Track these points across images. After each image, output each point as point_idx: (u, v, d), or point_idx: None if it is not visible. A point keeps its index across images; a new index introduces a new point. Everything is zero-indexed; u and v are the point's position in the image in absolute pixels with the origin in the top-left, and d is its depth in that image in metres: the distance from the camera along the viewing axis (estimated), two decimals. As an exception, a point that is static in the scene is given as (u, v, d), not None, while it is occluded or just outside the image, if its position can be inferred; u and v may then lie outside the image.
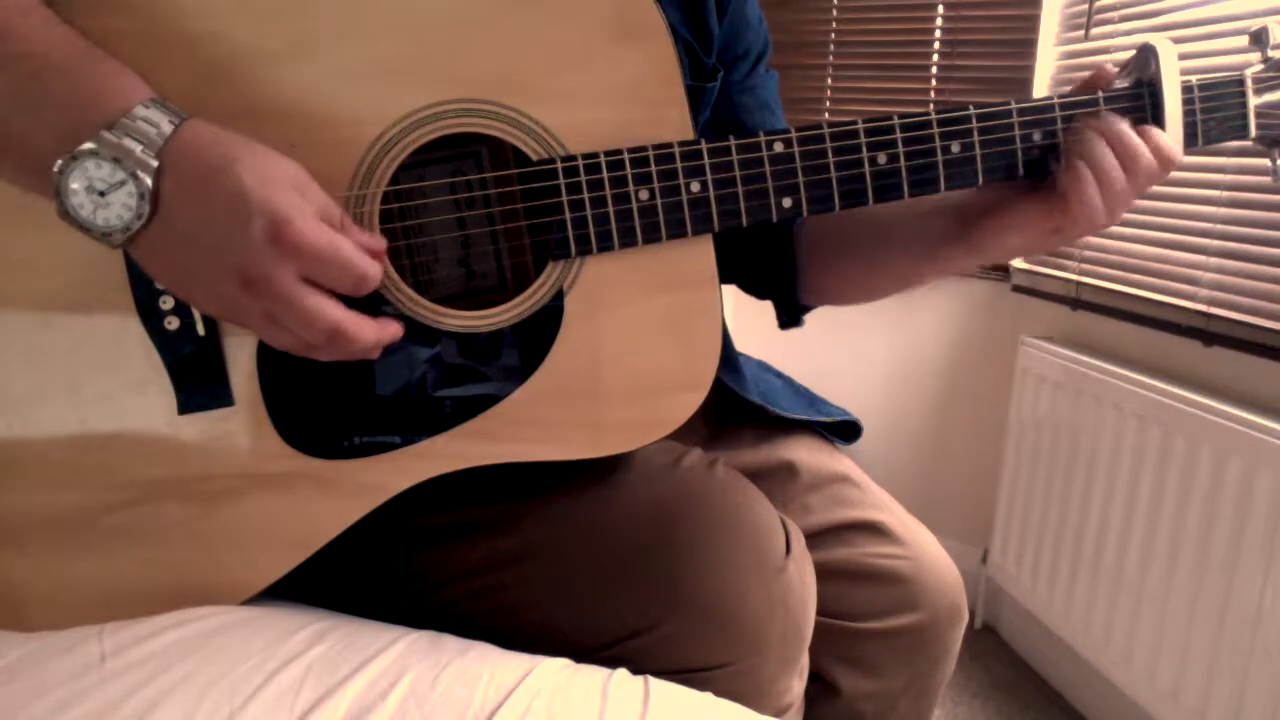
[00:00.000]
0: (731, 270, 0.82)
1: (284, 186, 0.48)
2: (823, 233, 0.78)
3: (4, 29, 0.47)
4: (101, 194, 0.46)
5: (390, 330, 0.54)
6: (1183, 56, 0.62)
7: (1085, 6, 1.61)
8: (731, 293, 0.83)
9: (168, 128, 0.47)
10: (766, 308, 0.84)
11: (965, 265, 0.68)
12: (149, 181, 0.46)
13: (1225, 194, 1.35)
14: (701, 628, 0.59)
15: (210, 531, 0.59)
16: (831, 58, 2.03)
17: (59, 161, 0.46)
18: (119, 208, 0.46)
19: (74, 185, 0.46)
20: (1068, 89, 0.64)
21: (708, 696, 0.57)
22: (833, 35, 2.01)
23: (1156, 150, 0.60)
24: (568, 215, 0.58)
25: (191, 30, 0.53)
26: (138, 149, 0.46)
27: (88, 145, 0.46)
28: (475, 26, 0.56)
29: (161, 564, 0.59)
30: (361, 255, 0.50)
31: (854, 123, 0.60)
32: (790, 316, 0.82)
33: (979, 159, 0.62)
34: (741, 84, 0.80)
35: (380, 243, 0.53)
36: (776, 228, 0.78)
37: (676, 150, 0.58)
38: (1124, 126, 0.60)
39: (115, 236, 0.47)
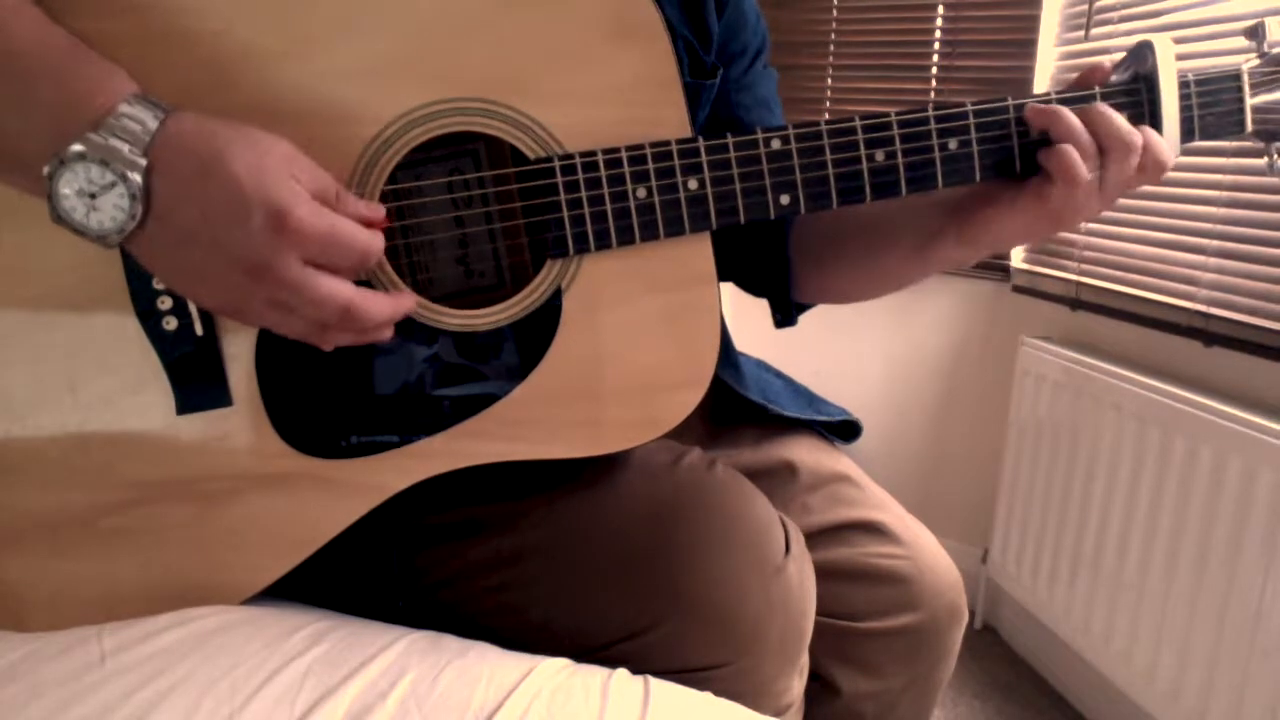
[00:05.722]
0: (729, 267, 0.82)
1: (278, 173, 0.47)
2: (815, 230, 0.78)
3: None
4: (92, 196, 0.46)
5: (404, 304, 0.54)
6: (1183, 56, 0.62)
7: (1085, 6, 1.61)
8: (730, 292, 0.83)
9: (153, 123, 0.47)
10: (765, 307, 0.84)
11: (956, 259, 0.68)
12: (139, 181, 0.46)
13: (1224, 194, 1.35)
14: (701, 627, 0.59)
15: (210, 532, 0.59)
16: (831, 58, 2.03)
17: (48, 166, 0.46)
18: (111, 209, 0.46)
19: (65, 189, 0.46)
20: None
21: (707, 696, 0.57)
22: (833, 35, 2.01)
23: (1119, 128, 0.59)
24: (565, 214, 0.58)
25: (189, 30, 0.53)
26: (125, 149, 0.46)
27: (76, 148, 0.45)
28: (473, 25, 0.56)
29: (161, 564, 0.59)
30: (361, 232, 0.50)
31: (851, 120, 0.60)
32: (784, 315, 0.82)
33: (976, 156, 0.62)
34: (739, 81, 0.80)
35: (378, 211, 0.53)
36: (770, 225, 0.78)
37: (674, 148, 0.58)
38: (1103, 107, 0.60)
39: (110, 238, 0.47)
